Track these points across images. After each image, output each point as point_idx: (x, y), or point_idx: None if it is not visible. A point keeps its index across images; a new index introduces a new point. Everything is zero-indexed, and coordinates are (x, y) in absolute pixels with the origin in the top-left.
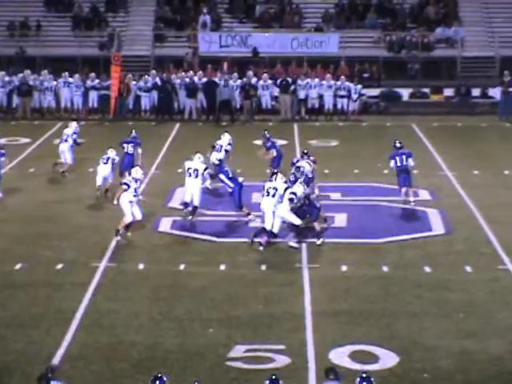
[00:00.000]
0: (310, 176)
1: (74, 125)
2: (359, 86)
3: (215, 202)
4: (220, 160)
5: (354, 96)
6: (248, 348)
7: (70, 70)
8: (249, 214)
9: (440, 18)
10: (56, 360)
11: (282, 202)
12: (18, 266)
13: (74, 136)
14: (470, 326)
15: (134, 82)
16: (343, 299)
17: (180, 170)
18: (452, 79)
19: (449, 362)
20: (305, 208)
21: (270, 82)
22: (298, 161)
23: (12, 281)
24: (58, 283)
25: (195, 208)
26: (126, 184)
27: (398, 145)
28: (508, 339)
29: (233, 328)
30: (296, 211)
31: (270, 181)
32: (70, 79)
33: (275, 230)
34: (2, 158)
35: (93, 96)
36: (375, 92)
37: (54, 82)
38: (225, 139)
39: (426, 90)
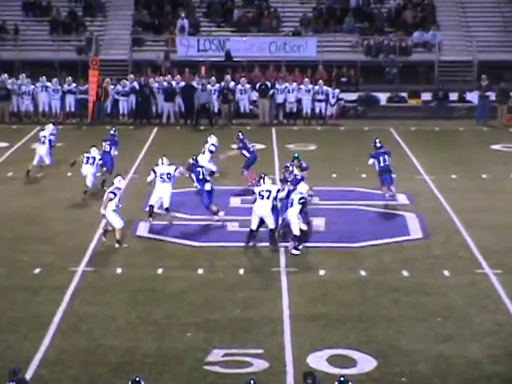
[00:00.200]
0: (299, 178)
1: (50, 127)
2: (337, 91)
3: (193, 206)
4: (196, 160)
5: (332, 100)
6: (226, 352)
7: (48, 74)
8: (218, 211)
9: (417, 22)
10: (34, 364)
11: (292, 206)
12: None
13: (51, 137)
14: (447, 329)
15: (112, 86)
16: (321, 303)
17: (150, 179)
18: (430, 83)
19: (426, 365)
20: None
21: (248, 86)
22: (291, 165)
23: None
24: (35, 287)
25: (167, 210)
26: (113, 193)
27: (378, 144)
28: (486, 343)
29: (211, 332)
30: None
31: (259, 185)
32: (48, 83)
33: (296, 233)
34: None
35: (69, 100)
36: (353, 96)
37: (32, 86)
38: (210, 140)
39: (404, 95)
